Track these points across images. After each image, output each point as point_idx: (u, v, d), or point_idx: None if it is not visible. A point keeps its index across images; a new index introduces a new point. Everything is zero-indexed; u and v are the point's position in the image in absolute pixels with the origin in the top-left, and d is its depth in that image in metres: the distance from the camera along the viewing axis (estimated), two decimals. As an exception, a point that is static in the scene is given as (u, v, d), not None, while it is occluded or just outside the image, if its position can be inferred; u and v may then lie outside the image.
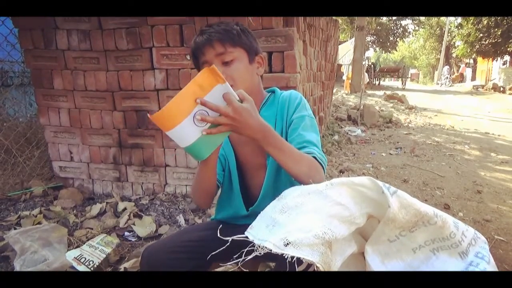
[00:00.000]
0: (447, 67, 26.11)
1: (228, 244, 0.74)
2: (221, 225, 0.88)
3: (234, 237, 0.73)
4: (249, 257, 0.69)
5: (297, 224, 0.71)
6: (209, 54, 1.00)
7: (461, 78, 25.98)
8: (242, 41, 1.03)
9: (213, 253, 0.85)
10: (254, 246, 0.70)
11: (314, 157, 0.95)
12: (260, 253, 0.68)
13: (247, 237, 0.72)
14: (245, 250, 0.70)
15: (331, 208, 0.73)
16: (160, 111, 0.79)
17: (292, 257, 0.65)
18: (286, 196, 0.80)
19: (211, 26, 1.04)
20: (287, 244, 0.67)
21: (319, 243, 0.68)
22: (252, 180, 1.17)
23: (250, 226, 0.76)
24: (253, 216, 0.80)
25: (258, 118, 0.87)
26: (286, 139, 1.03)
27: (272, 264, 1.08)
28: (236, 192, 1.16)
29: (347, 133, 5.34)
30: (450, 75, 25.22)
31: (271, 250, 0.67)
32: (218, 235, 0.76)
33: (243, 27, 1.07)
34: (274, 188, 1.10)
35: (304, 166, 0.91)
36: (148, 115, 0.81)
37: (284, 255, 0.66)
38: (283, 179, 1.09)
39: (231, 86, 0.83)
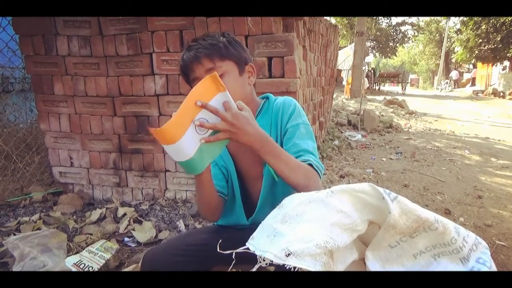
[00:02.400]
0: (455, 71, 26.16)
1: (230, 251, 0.73)
2: (220, 240, 0.88)
3: (236, 250, 0.72)
4: (254, 269, 0.69)
5: (298, 233, 0.71)
6: (199, 70, 0.99)
7: (473, 82, 25.79)
8: (230, 53, 1.01)
9: (225, 271, 0.85)
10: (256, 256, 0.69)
11: (310, 165, 0.95)
12: (266, 264, 0.68)
13: (248, 248, 0.72)
14: (255, 268, 0.70)
15: (333, 216, 0.73)
16: (163, 126, 0.78)
17: (294, 267, 0.65)
18: (287, 205, 0.80)
19: (197, 41, 1.02)
20: (289, 254, 0.66)
21: (321, 253, 0.67)
22: (252, 189, 1.17)
23: (251, 236, 0.76)
24: (253, 224, 0.80)
25: (256, 126, 0.88)
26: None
27: (272, 269, 1.08)
28: (238, 202, 1.16)
29: (348, 138, 5.34)
30: (458, 80, 25.26)
31: (272, 261, 0.67)
32: (218, 249, 0.75)
33: (230, 37, 1.04)
34: (271, 197, 1.10)
35: (300, 174, 0.92)
36: (151, 130, 0.79)
37: (285, 265, 0.65)
38: (280, 188, 1.09)
39: None
